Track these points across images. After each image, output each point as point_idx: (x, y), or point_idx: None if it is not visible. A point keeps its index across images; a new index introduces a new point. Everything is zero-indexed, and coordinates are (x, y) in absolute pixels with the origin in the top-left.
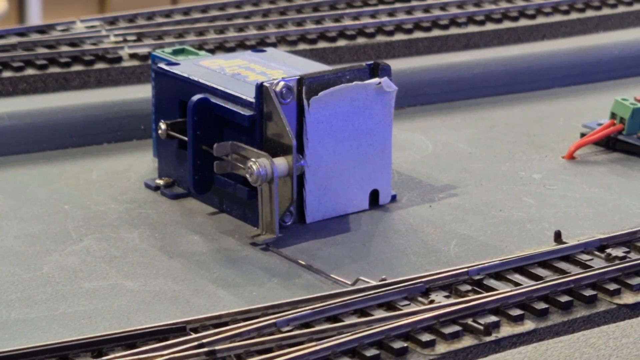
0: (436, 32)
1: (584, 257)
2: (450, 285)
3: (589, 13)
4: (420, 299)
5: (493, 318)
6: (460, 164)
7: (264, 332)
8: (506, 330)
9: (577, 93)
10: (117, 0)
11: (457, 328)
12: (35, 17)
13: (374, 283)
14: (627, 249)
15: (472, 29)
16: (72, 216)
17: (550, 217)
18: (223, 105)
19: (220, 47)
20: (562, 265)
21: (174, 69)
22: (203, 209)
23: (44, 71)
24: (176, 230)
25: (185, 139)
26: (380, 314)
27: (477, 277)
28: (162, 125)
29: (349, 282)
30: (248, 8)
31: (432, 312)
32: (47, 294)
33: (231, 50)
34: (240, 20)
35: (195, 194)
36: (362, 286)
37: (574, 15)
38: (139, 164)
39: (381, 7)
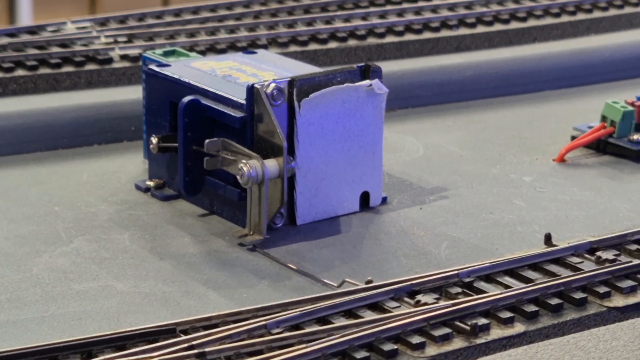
0: (427, 35)
1: (574, 259)
2: (440, 288)
3: (580, 16)
4: (407, 299)
5: (483, 320)
6: (451, 167)
7: (254, 334)
8: (496, 332)
9: (568, 96)
10: (108, 1)
11: (447, 330)
12: (25, 17)
13: (360, 284)
14: (617, 252)
15: (463, 31)
16: (62, 217)
17: (540, 219)
18: (214, 106)
19: (211, 49)
20: (553, 267)
21: (165, 71)
22: (193, 211)
23: (34, 72)
24: (166, 231)
25: (176, 144)
26: (369, 315)
27: (468, 280)
28: (154, 140)
29: (336, 285)
30: (239, 10)
31: (422, 315)
32: (36, 296)
33: (222, 51)
34: (232, 22)
35: (186, 195)
36: (350, 288)
37: (565, 18)
38: (130, 165)
39: (372, 9)
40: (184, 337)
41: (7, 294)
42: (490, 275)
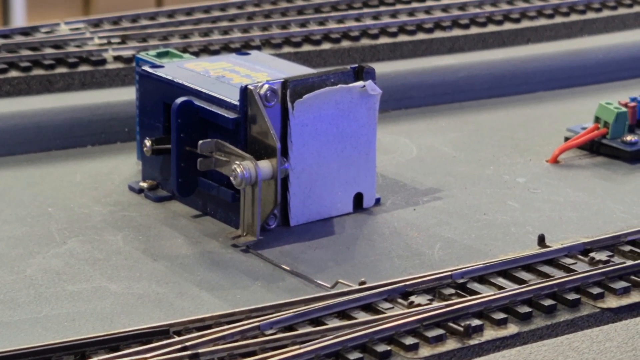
0: (421, 36)
1: (568, 261)
2: (434, 289)
3: (574, 17)
4: (400, 300)
5: (476, 321)
6: (444, 168)
7: (247, 335)
8: (490, 333)
9: (561, 97)
10: (102, 2)
11: (440, 331)
12: (19, 19)
13: (353, 286)
14: (611, 253)
15: (457, 32)
16: (55, 219)
17: (534, 220)
18: (207, 107)
19: (205, 50)
20: (546, 269)
21: (158, 72)
22: (187, 212)
23: (27, 73)
24: (160, 232)
25: (170, 147)
26: (363, 316)
27: (461, 281)
28: (147, 143)
29: (329, 286)
30: (233, 11)
31: (416, 316)
32: (30, 297)
33: (215, 52)
34: (225, 23)
35: (179, 196)
36: (343, 289)
37: (558, 19)
38: (123, 166)
39: (366, 10)
40: (177, 338)
41: (1, 295)
42: (483, 276)
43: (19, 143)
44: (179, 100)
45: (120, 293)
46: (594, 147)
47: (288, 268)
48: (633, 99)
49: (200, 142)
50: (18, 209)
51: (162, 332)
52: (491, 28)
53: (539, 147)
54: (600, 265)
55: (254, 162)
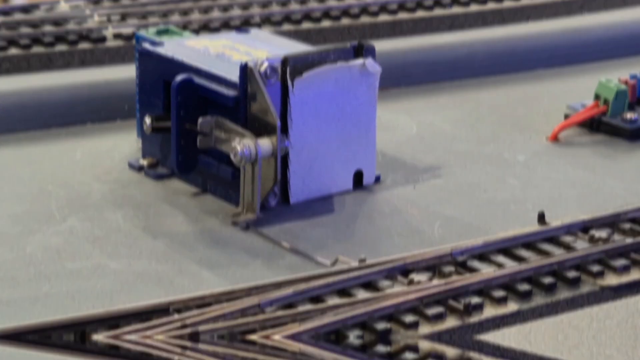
0: (420, 13)
1: (568, 238)
2: (433, 266)
3: None
4: (400, 278)
5: (477, 299)
6: (444, 145)
7: (247, 313)
8: (490, 311)
9: (561, 74)
10: None
11: (440, 309)
12: None
13: (352, 263)
14: (611, 231)
15: (457, 10)
16: (55, 196)
17: (534, 198)
18: (207, 85)
19: (205, 28)
20: (546, 246)
21: (158, 49)
22: (187, 190)
23: (27, 51)
24: (160, 210)
25: (170, 124)
26: (362, 294)
27: (461, 258)
28: (147, 120)
29: (329, 263)
30: None
31: (416, 293)
32: (30, 275)
33: (215, 30)
34: (225, 1)
35: (179, 174)
36: (343, 267)
37: None
38: (123, 144)
39: None
40: (177, 316)
41: (1, 273)
42: (483, 254)
43: (19, 121)
44: (179, 77)
45: (120, 271)
46: (594, 125)
47: (288, 246)
48: (633, 77)
49: (200, 119)
50: (18, 186)
51: (162, 310)
52: (491, 6)
53: (538, 125)
54: (600, 243)
55: (254, 139)
